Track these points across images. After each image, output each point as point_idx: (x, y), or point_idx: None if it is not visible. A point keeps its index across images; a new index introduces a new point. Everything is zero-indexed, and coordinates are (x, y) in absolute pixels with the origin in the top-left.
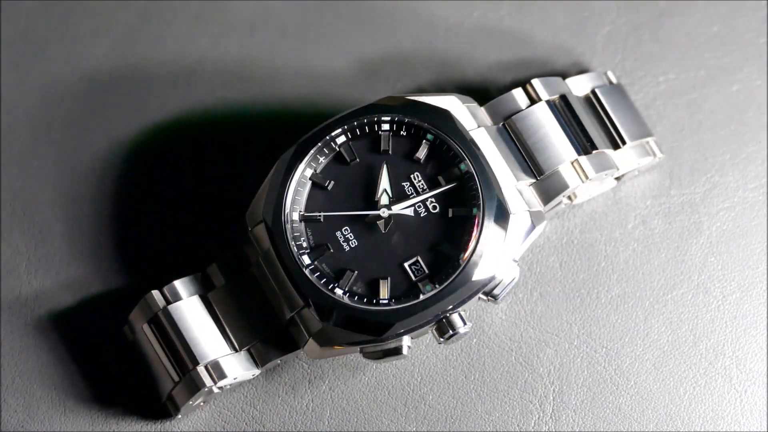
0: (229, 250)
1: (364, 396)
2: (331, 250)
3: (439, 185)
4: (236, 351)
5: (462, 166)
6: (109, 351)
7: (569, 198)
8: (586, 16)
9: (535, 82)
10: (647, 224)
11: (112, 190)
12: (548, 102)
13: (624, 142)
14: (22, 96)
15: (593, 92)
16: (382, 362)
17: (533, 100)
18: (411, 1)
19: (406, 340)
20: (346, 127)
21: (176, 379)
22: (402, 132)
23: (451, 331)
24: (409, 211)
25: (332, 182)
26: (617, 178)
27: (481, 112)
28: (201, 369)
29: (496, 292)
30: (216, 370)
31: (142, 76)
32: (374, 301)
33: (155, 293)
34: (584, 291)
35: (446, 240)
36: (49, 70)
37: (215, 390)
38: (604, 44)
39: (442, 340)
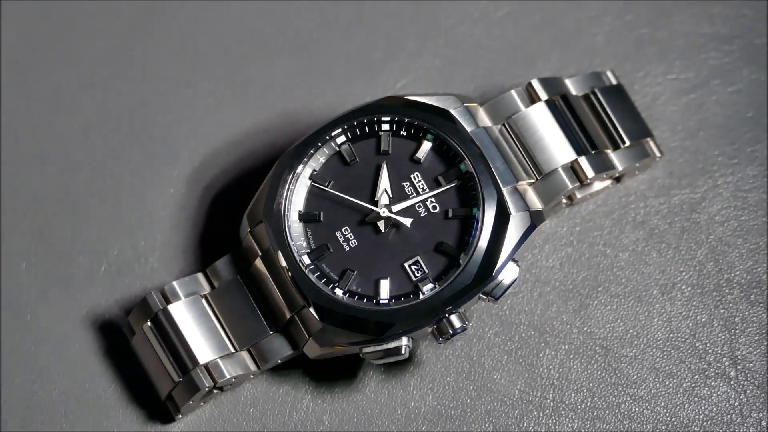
0: (229, 251)
1: (364, 396)
2: (331, 250)
3: (439, 185)
4: (236, 351)
5: (462, 166)
6: (109, 351)
7: (569, 198)
8: (587, 16)
9: (535, 82)
10: (647, 224)
11: (111, 190)
12: (548, 102)
13: (624, 142)
14: (22, 96)
15: (593, 92)
16: (382, 362)
17: (533, 100)
18: (412, 1)
19: (405, 340)
20: (346, 126)
21: (176, 379)
22: (402, 132)
23: (451, 331)
24: (409, 215)
25: (332, 182)
26: (617, 178)
27: (481, 112)
28: (201, 369)
29: (496, 292)
30: (216, 371)
31: (142, 74)
32: (374, 301)
33: (155, 293)
34: (584, 291)
35: (446, 240)
36: (49, 70)
37: (215, 390)
38: (604, 44)
39: (442, 340)
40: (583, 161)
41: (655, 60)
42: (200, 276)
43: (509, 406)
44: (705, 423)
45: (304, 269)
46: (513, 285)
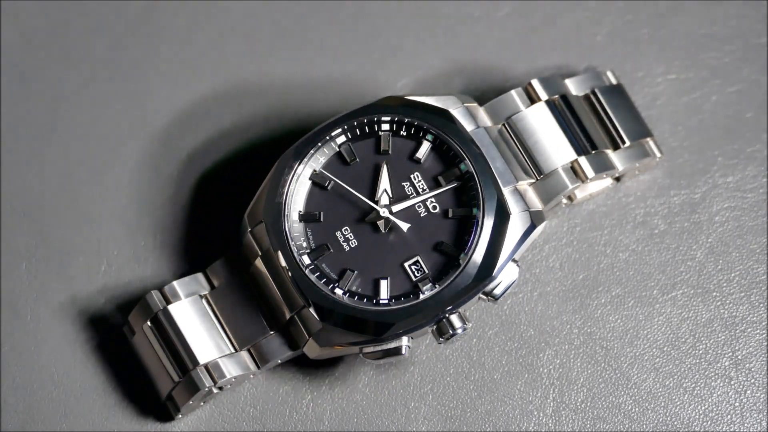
0: (229, 251)
1: (364, 396)
2: (331, 250)
3: (439, 185)
4: (236, 351)
5: (462, 166)
6: (108, 351)
7: (569, 198)
8: (587, 16)
9: (535, 82)
10: (647, 224)
11: (111, 189)
12: (548, 102)
13: (624, 142)
14: (22, 95)
15: (593, 92)
16: (382, 362)
17: (533, 100)
18: (412, 1)
19: (405, 340)
20: (346, 126)
21: (176, 379)
22: (402, 132)
23: (451, 331)
24: (409, 215)
25: (332, 182)
26: (617, 178)
27: (481, 112)
28: (201, 369)
29: (495, 292)
30: (216, 371)
31: (142, 74)
32: (374, 301)
33: (155, 293)
34: (584, 291)
35: (446, 240)
36: (49, 70)
37: (215, 390)
38: (604, 44)
39: (442, 340)
40: (583, 161)
41: (655, 60)
42: (200, 276)
43: (509, 406)
44: (705, 423)
45: (304, 269)
46: (513, 285)
